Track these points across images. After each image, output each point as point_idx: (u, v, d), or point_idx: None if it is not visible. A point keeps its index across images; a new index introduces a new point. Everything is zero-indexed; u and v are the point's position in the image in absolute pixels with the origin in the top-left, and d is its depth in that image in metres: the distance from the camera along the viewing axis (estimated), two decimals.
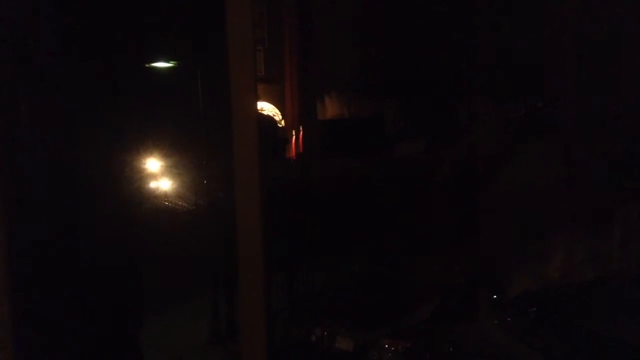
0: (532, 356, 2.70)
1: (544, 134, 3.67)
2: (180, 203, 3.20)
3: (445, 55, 3.71)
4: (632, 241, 3.45)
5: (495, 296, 3.13)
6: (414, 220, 3.55)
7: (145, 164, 3.02)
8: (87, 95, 2.05)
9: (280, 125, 4.09)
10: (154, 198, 3.11)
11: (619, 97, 3.53)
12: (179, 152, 3.11)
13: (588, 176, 3.58)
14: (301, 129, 4.08)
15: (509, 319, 2.93)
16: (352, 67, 4.21)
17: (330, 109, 4.22)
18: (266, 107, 3.94)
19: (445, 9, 3.65)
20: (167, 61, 3.27)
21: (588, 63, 3.58)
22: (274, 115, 4.03)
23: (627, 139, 3.58)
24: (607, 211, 3.61)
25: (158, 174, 3.12)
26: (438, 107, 3.82)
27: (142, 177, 2.96)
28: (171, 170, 3.15)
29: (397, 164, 3.82)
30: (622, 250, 3.54)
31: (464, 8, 3.47)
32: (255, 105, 1.41)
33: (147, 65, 3.21)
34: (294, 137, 4.06)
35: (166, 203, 3.16)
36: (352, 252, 3.58)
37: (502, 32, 3.50)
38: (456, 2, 3.65)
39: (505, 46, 3.53)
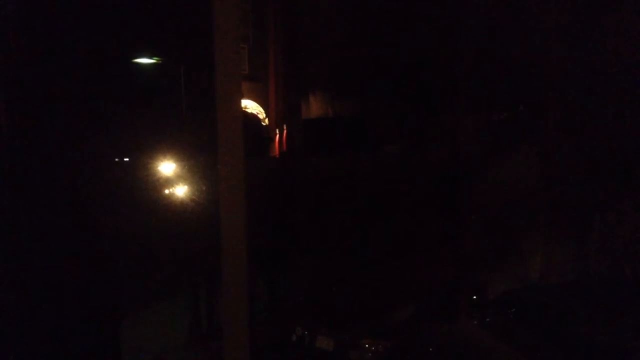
0: (511, 355, 2.73)
1: (524, 138, 3.71)
2: (160, 202, 3.17)
3: (429, 57, 3.73)
4: (610, 243, 3.51)
5: (475, 297, 3.16)
6: (395, 220, 3.57)
7: (127, 162, 2.99)
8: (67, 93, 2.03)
9: (264, 124, 4.08)
10: (133, 197, 3.08)
11: (599, 102, 3.59)
12: (161, 150, 3.08)
13: (567, 180, 3.63)
14: (285, 127, 4.08)
15: (488, 319, 2.95)
16: (337, 67, 4.22)
17: (314, 107, 4.23)
18: (250, 105, 3.93)
19: (430, 12, 3.67)
20: (151, 58, 3.24)
21: (569, 69, 3.63)
22: (257, 113, 4.01)
23: (606, 143, 3.64)
24: (585, 214, 3.67)
25: (139, 173, 3.09)
26: (420, 108, 3.85)
27: (120, 176, 2.93)
28: (153, 168, 3.12)
29: (379, 164, 3.83)
30: (599, 253, 3.60)
31: (448, 12, 3.49)
32: (240, 103, 1.40)
33: (132, 62, 3.18)
34: (277, 135, 4.06)
35: (145, 202, 3.13)
36: (334, 252, 3.58)
37: (485, 37, 3.54)
38: (440, 6, 3.68)
39: (487, 50, 3.56)
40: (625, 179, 3.50)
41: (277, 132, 4.06)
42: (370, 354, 2.61)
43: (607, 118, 3.59)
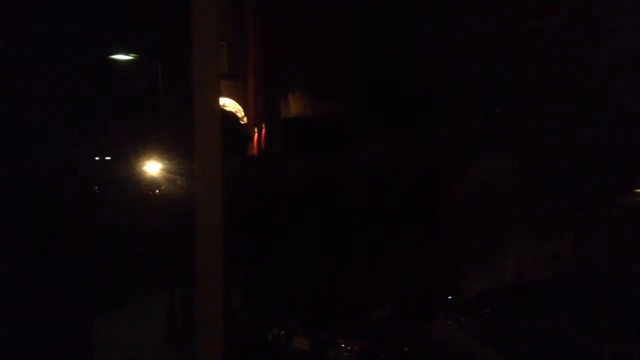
0: (487, 355, 2.75)
1: (500, 139, 3.75)
2: (134, 199, 3.13)
3: (408, 57, 3.75)
4: (585, 243, 3.56)
5: (450, 297, 3.18)
6: (372, 220, 3.58)
7: (103, 159, 2.95)
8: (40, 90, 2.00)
9: (242, 122, 4.05)
10: (108, 196, 3.04)
11: (574, 103, 3.64)
12: (138, 148, 3.05)
13: (543, 179, 3.68)
14: (264, 126, 4.06)
15: (463, 319, 2.98)
16: (316, 65, 4.21)
17: (293, 106, 4.21)
18: (228, 104, 3.90)
19: (409, 12, 3.68)
20: (129, 54, 3.21)
21: (545, 68, 3.68)
22: (236, 112, 3.99)
23: (582, 143, 3.70)
24: (561, 213, 3.72)
25: (115, 170, 3.06)
26: (400, 109, 3.86)
27: (96, 172, 2.90)
28: (130, 166, 3.09)
29: (357, 164, 3.84)
30: (575, 252, 3.65)
31: (427, 12, 3.51)
32: (218, 101, 1.39)
33: (109, 58, 3.15)
34: (256, 134, 4.04)
35: (120, 200, 3.10)
36: (310, 251, 3.58)
37: (463, 37, 3.56)
38: (419, 6, 3.69)
39: (466, 51, 3.59)
40: (599, 180, 3.56)
41: (256, 130, 4.04)
42: (346, 354, 2.62)
43: (583, 119, 3.65)
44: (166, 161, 3.12)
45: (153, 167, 3.11)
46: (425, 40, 3.57)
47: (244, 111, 4.05)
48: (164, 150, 3.12)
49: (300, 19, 4.19)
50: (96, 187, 2.77)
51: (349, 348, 2.63)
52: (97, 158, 2.95)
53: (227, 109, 3.92)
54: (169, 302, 3.10)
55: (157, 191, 3.14)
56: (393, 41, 3.83)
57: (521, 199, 3.63)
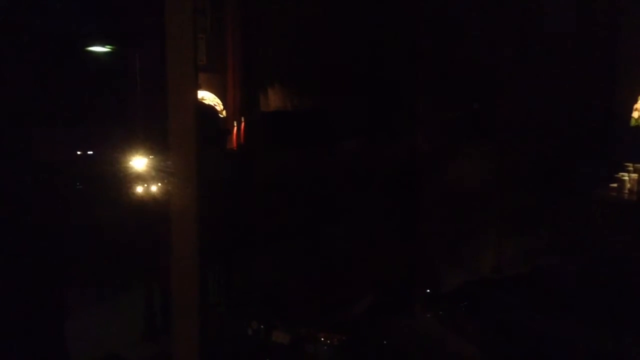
0: (464, 348, 2.78)
1: (478, 135, 3.78)
2: (111, 194, 3.10)
3: (387, 53, 3.75)
4: (560, 238, 3.62)
5: (428, 290, 3.21)
6: (351, 214, 3.58)
7: (77, 153, 2.91)
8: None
9: (221, 116, 4.02)
10: (84, 188, 3.00)
11: (550, 101, 3.69)
12: (113, 142, 3.01)
13: (520, 175, 3.73)
14: (243, 120, 4.03)
15: (441, 312, 3.01)
16: (296, 59, 4.19)
17: (273, 100, 4.19)
18: (207, 97, 3.86)
19: (389, 7, 3.68)
20: (105, 46, 3.15)
21: (523, 67, 3.71)
22: (215, 105, 3.95)
23: (558, 141, 3.75)
24: (537, 209, 3.77)
25: (90, 164, 3.02)
26: (378, 104, 3.86)
27: (70, 167, 2.85)
28: (106, 161, 3.05)
29: (337, 158, 3.84)
30: (550, 247, 3.71)
31: (406, 8, 3.52)
32: (195, 94, 1.37)
33: (84, 50, 3.09)
34: (235, 128, 4.01)
35: (97, 196, 3.06)
36: (289, 246, 3.58)
37: (441, 34, 3.58)
38: (398, 2, 3.70)
39: (444, 48, 3.61)
40: (574, 177, 3.61)
41: (235, 124, 4.01)
42: (325, 347, 2.63)
43: (558, 116, 3.69)
44: (144, 156, 3.09)
45: (130, 161, 3.07)
46: (405, 36, 3.58)
47: (223, 104, 4.01)
48: (141, 145, 3.08)
49: (280, 12, 4.16)
50: (76, 182, 2.73)
51: (328, 342, 2.64)
52: (78, 152, 2.91)
53: (206, 102, 3.89)
54: (147, 297, 3.07)
55: (134, 186, 3.11)
56: (372, 36, 3.83)
57: (498, 194, 3.67)
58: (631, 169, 3.22)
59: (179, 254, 1.13)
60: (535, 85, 3.67)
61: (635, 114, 3.12)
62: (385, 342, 2.75)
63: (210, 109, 3.92)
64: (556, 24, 3.64)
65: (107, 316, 2.97)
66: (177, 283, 1.11)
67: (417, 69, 3.16)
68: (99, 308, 2.96)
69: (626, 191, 3.17)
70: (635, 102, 3.14)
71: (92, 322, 2.72)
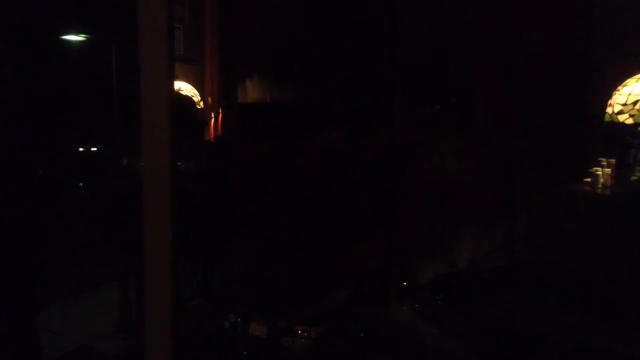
0: (440, 340, 2.81)
1: (456, 129, 3.81)
2: (87, 186, 3.05)
3: (366, 45, 3.75)
4: (535, 232, 3.67)
5: (405, 283, 3.24)
6: (328, 207, 3.59)
7: (52, 147, 2.85)
8: None
9: (198, 107, 3.98)
10: (59, 180, 2.95)
11: (526, 96, 3.73)
12: (90, 134, 2.96)
13: (496, 169, 3.77)
14: (220, 111, 4.00)
15: (417, 304, 3.04)
16: (275, 50, 4.17)
17: (251, 91, 4.16)
18: (184, 88, 3.81)
19: (370, 2, 3.69)
20: (79, 34, 3.08)
21: (499, 62, 3.75)
22: (192, 96, 3.90)
23: (534, 135, 3.79)
24: (512, 203, 3.82)
25: (66, 157, 2.96)
26: (357, 97, 3.87)
27: (45, 160, 2.80)
28: (79, 153, 2.99)
29: (314, 150, 3.84)
30: (525, 240, 3.76)
31: (387, 4, 3.51)
32: (171, 85, 1.35)
33: (59, 38, 3.02)
34: (212, 119, 3.98)
35: (71, 190, 3.01)
36: (266, 239, 3.57)
37: (422, 30, 3.59)
38: None
39: (425, 43, 3.62)
40: (549, 171, 3.66)
41: (213, 116, 3.98)
42: (302, 340, 2.64)
43: (534, 111, 3.74)
44: (119, 148, 3.05)
45: (106, 154, 3.04)
46: (384, 29, 3.58)
47: (201, 95, 3.97)
48: (116, 137, 3.04)
49: (258, 2, 4.13)
50: (44, 176, 2.68)
51: (305, 334, 2.65)
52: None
53: (183, 93, 3.83)
54: (122, 290, 3.04)
55: (109, 179, 3.07)
56: (352, 29, 3.82)
57: (474, 187, 3.71)
58: (605, 163, 3.27)
59: (152, 246, 1.12)
60: (512, 81, 3.71)
61: (609, 110, 3.16)
62: (361, 334, 2.77)
63: (188, 100, 3.87)
64: (532, 20, 3.68)
65: (81, 309, 2.93)
66: (151, 276, 1.09)
67: (398, 62, 3.17)
68: (73, 301, 2.92)
69: (600, 186, 3.22)
70: (610, 97, 3.19)
71: (65, 315, 2.68)
